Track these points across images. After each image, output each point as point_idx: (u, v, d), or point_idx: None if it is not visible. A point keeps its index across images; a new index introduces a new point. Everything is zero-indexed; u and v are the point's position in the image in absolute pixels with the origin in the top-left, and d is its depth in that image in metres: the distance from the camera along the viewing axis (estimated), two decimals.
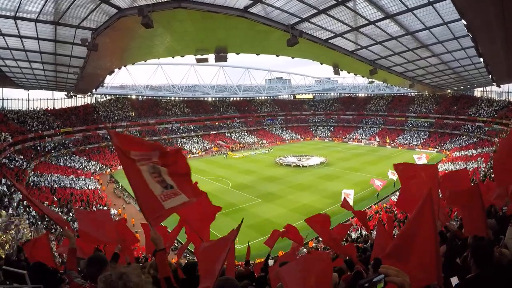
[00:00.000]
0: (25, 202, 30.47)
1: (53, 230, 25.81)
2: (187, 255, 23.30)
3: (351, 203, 31.00)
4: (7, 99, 62.88)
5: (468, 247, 4.77)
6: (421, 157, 45.97)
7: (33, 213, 28.01)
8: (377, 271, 1.73)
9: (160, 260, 3.21)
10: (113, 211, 34.21)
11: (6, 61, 31.54)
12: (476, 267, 3.50)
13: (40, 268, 5.42)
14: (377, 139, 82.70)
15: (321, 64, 39.25)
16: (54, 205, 32.16)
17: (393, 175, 39.76)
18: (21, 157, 45.58)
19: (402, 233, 3.08)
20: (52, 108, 67.98)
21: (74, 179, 45.07)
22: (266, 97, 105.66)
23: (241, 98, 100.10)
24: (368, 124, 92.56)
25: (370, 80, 58.32)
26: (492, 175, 24.91)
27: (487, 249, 3.61)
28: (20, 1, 17.32)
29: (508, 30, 16.43)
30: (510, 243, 4.84)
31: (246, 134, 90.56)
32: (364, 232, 25.41)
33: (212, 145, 79.53)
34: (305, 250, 23.83)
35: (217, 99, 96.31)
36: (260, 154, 71.79)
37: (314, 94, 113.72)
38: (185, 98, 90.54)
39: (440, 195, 6.37)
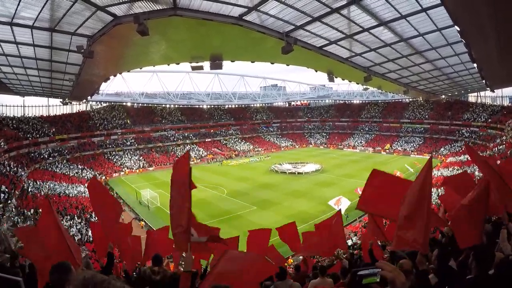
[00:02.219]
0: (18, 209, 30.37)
1: None
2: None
3: (342, 210, 31.54)
4: (2, 106, 62.69)
5: (464, 251, 4.82)
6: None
7: (28, 222, 27.84)
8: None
9: (184, 280, 3.49)
10: None
11: (2, 68, 31.38)
12: (477, 269, 3.56)
13: (34, 273, 5.41)
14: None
15: (316, 71, 39.39)
16: None
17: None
18: (16, 164, 45.34)
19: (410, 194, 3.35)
20: (47, 115, 67.94)
21: (69, 186, 44.82)
22: (261, 105, 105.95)
23: (236, 106, 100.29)
24: (363, 130, 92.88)
25: (364, 87, 58.57)
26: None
27: (489, 252, 3.67)
28: (17, 8, 17.32)
29: (500, 33, 16.60)
30: (504, 246, 4.91)
31: (241, 141, 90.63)
32: (358, 241, 25.42)
33: (207, 153, 79.42)
34: (301, 257, 23.78)
35: (212, 106, 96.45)
36: (257, 161, 71.76)
37: (309, 101, 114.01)
38: (180, 106, 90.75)
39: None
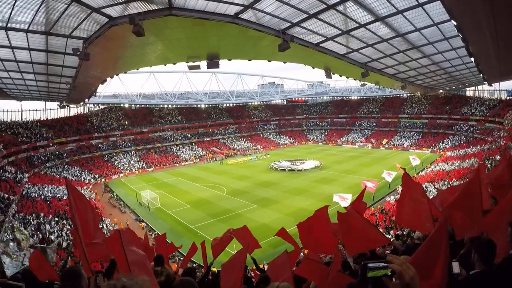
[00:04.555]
0: (20, 214, 30.32)
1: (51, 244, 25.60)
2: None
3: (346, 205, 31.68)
4: None
5: (464, 246, 4.80)
6: (415, 158, 47.49)
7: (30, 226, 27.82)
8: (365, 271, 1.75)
9: None
10: (108, 221, 34.28)
11: None
12: (481, 264, 3.52)
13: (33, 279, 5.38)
14: (373, 141, 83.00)
15: (313, 68, 39.32)
16: (51, 216, 31.97)
17: (388, 176, 39.94)
18: (14, 169, 45.29)
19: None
20: (45, 118, 67.79)
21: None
22: (259, 103, 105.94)
23: (234, 104, 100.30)
24: (361, 126, 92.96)
25: (362, 82, 58.53)
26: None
27: (491, 246, 3.63)
28: (11, 12, 17.23)
29: (497, 26, 16.54)
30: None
31: (240, 140, 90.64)
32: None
33: (206, 152, 79.41)
34: (301, 254, 23.77)
35: (210, 105, 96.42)
36: (256, 160, 71.75)
37: (307, 98, 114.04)
38: (178, 106, 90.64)
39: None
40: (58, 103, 58.72)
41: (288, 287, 5.02)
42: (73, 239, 5.34)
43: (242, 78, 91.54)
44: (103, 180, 57.55)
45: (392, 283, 1.67)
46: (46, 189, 42.54)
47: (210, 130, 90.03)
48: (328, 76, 38.80)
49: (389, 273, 1.66)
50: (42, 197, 38.80)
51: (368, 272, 1.68)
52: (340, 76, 47.44)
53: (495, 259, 3.63)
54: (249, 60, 35.07)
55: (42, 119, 67.20)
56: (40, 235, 26.64)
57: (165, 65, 37.59)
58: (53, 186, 45.23)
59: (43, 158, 57.36)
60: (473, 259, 3.67)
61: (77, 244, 4.66)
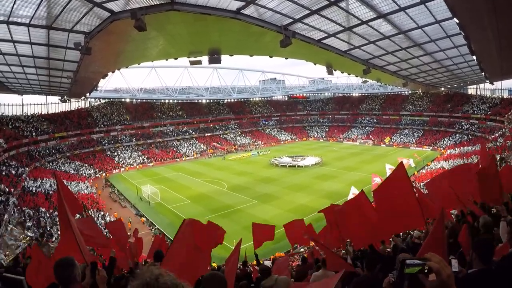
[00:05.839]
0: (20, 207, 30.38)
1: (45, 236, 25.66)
2: None
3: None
4: (1, 105, 62.38)
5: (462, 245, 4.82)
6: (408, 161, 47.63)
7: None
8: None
9: None
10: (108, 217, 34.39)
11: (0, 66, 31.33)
12: (479, 263, 3.53)
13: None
14: (371, 139, 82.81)
15: (315, 64, 39.28)
16: (51, 210, 32.03)
17: (390, 171, 39.94)
18: (16, 163, 45.34)
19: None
20: (46, 113, 67.71)
21: (70, 183, 44.82)
22: (260, 98, 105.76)
23: (235, 100, 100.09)
24: (362, 123, 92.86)
25: (363, 79, 58.45)
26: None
27: (489, 245, 3.64)
28: (13, 6, 17.21)
29: (500, 26, 16.51)
30: (503, 238, 4.90)
31: (241, 135, 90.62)
32: None
33: (207, 147, 79.42)
34: (302, 250, 23.84)
35: (212, 101, 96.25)
36: (257, 156, 71.72)
37: (308, 95, 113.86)
38: (179, 101, 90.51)
39: None
40: (60, 97, 58.63)
41: (287, 280, 5.05)
42: (61, 230, 5.15)
43: (244, 73, 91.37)
44: (103, 174, 57.63)
45: (429, 281, 1.72)
46: (46, 183, 42.58)
47: (211, 125, 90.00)
48: (330, 72, 38.76)
49: (426, 270, 1.70)
50: (43, 191, 38.86)
51: (405, 268, 1.73)
52: (342, 72, 47.44)
53: (492, 257, 3.64)
54: (251, 55, 35.04)
55: (43, 113, 67.09)
56: (41, 229, 26.71)
57: (166, 60, 37.58)
58: (53, 180, 45.24)
59: (44, 152, 57.39)
60: (471, 258, 3.68)
61: (68, 234, 4.61)
